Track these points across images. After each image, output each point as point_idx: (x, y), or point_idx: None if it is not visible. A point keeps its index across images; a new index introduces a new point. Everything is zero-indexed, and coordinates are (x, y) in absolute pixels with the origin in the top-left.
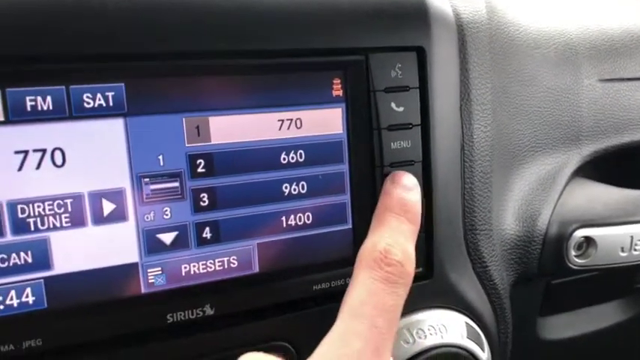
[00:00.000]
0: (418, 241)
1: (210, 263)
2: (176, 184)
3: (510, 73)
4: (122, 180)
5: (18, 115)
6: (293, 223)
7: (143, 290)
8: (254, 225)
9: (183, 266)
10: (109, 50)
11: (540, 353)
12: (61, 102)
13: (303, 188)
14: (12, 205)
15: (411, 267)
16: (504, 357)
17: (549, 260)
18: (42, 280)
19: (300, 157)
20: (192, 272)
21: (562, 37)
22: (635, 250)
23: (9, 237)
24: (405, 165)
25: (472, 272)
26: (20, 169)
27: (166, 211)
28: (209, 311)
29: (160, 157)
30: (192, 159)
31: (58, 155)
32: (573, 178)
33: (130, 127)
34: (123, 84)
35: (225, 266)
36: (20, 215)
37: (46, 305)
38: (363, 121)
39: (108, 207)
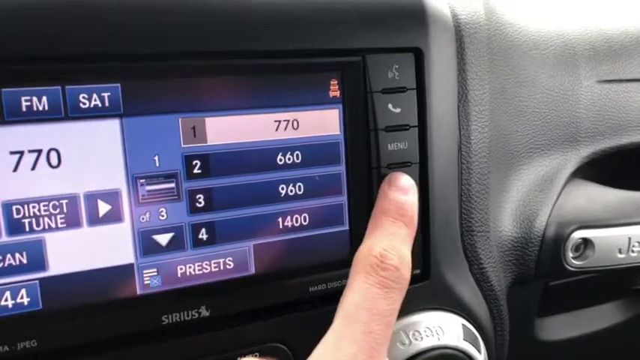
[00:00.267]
0: (415, 243)
1: (206, 264)
2: (172, 184)
3: (509, 74)
4: (118, 181)
5: (13, 116)
6: (289, 224)
7: (139, 291)
8: (250, 226)
9: (178, 267)
10: (105, 51)
11: (538, 354)
12: (57, 102)
13: (299, 189)
14: (7, 206)
15: (407, 271)
16: (501, 358)
17: (547, 262)
18: (37, 281)
19: (297, 158)
20: (187, 273)
21: (560, 38)
22: (633, 251)
23: (4, 237)
24: (402, 166)
25: (469, 274)
26: (15, 169)
27: (162, 212)
28: (205, 313)
29: (156, 158)
30: (188, 160)
31: (53, 156)
32: (571, 180)
33: (125, 128)
34: (119, 84)
35: (221, 267)
36: (15, 216)
37: (41, 306)
38: (360, 122)
39: (103, 208)
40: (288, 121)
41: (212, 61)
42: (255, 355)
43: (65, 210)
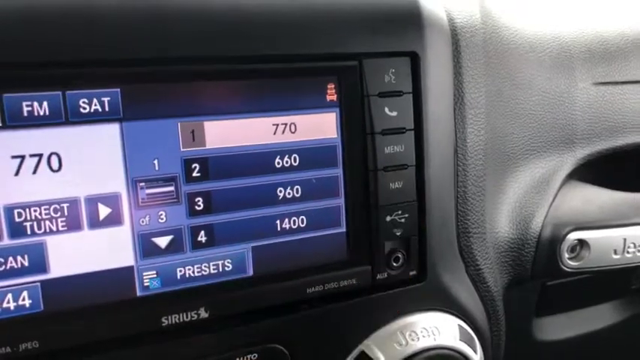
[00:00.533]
0: (412, 245)
1: (205, 266)
2: (171, 188)
3: (504, 76)
4: (118, 184)
5: (15, 121)
6: (287, 226)
7: (138, 293)
8: (248, 228)
9: (178, 269)
10: (104, 56)
11: (536, 354)
12: (58, 107)
13: (297, 192)
14: (9, 210)
15: None
16: (497, 359)
17: (543, 263)
18: (38, 284)
19: (295, 161)
20: (187, 275)
21: (556, 40)
22: (628, 252)
23: (6, 241)
24: (398, 169)
25: (465, 275)
26: (17, 173)
27: (161, 215)
28: (204, 314)
29: (156, 162)
30: (187, 163)
31: (54, 160)
32: (567, 181)
33: (125, 132)
34: (119, 89)
35: (220, 269)
36: (17, 219)
37: (42, 308)
38: (357, 125)
39: (104, 211)
40: (286, 124)
41: (210, 66)
42: (254, 357)
43: (66, 213)
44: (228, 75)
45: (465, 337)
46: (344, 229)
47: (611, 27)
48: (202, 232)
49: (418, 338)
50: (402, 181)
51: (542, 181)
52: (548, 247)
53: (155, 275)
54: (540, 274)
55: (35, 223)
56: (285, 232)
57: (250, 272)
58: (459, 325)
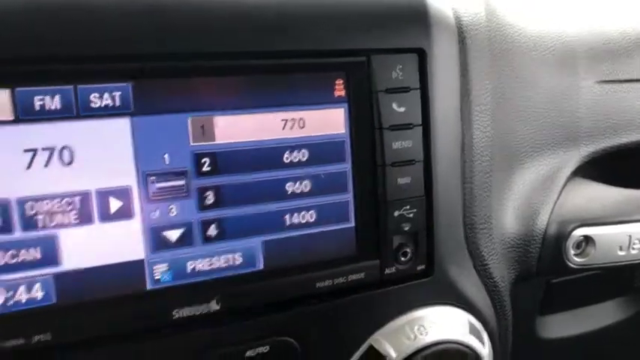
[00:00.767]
0: (420, 239)
1: (216, 260)
2: (182, 182)
3: (509, 74)
4: (129, 178)
5: (27, 115)
6: (297, 221)
7: (149, 287)
8: (258, 223)
9: (188, 263)
10: (116, 51)
11: (540, 352)
12: (69, 101)
13: (306, 187)
14: (21, 203)
15: None
16: (505, 353)
17: (549, 259)
18: (51, 276)
19: (303, 156)
20: (197, 269)
21: (560, 38)
22: (634, 249)
23: (18, 233)
24: (406, 164)
25: (472, 270)
26: (29, 167)
27: (172, 208)
28: (215, 307)
29: (166, 156)
30: (197, 158)
31: (66, 153)
32: (572, 179)
33: (136, 127)
34: (129, 84)
35: (230, 263)
36: (29, 212)
37: (55, 300)
38: (365, 121)
39: (115, 205)
40: (295, 120)
41: (220, 62)
42: (265, 350)
43: (78, 206)
44: (238, 71)
45: (473, 332)
46: (353, 224)
47: (614, 26)
48: (212, 226)
49: (427, 332)
50: (410, 177)
51: (547, 179)
52: (554, 243)
53: (166, 268)
54: (546, 271)
55: (47, 216)
56: (294, 226)
57: (261, 266)
58: (467, 319)
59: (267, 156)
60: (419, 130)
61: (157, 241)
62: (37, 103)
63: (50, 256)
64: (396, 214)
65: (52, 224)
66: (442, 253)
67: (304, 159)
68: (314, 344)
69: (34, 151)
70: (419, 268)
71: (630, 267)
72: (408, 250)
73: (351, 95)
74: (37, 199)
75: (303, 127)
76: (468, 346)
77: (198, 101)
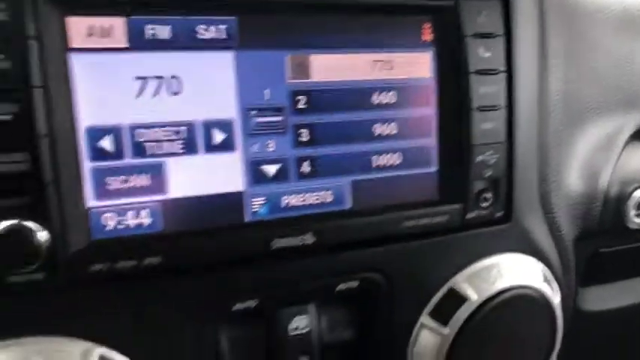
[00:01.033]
0: (501, 185)
1: (309, 196)
2: (279, 118)
3: (574, 35)
4: (231, 111)
5: (139, 43)
6: (383, 162)
7: (247, 218)
8: (348, 162)
9: (283, 198)
10: None
11: (578, 324)
12: (178, 32)
13: (392, 129)
14: (132, 129)
15: None
16: (568, 309)
17: (609, 218)
18: (159, 203)
19: (391, 98)
20: (291, 204)
21: (621, 4)
22: None
23: (129, 159)
24: (491, 109)
25: (544, 221)
26: (140, 94)
27: (269, 144)
28: (310, 239)
29: (266, 92)
30: (293, 95)
31: (174, 83)
32: (631, 141)
33: (239, 61)
34: (236, 17)
35: (322, 200)
36: (139, 139)
37: (162, 227)
38: (451, 65)
39: (218, 137)
40: (384, 61)
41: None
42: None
43: (184, 136)
44: (334, 8)
45: (547, 280)
46: (436, 168)
47: None
48: (306, 163)
49: (504, 277)
50: (494, 122)
51: (608, 140)
52: (615, 203)
53: (264, 201)
54: (606, 229)
55: (155, 144)
56: (380, 168)
57: (349, 205)
58: (540, 267)
59: (357, 96)
60: (503, 76)
61: (255, 175)
62: (149, 32)
63: (158, 183)
64: (479, 159)
65: (160, 152)
66: (519, 201)
67: (392, 101)
68: (399, 283)
69: (145, 79)
70: (497, 214)
71: None
72: (489, 195)
73: (439, 39)
74: (147, 127)
75: (391, 69)
76: (541, 293)
77: (296, 39)
